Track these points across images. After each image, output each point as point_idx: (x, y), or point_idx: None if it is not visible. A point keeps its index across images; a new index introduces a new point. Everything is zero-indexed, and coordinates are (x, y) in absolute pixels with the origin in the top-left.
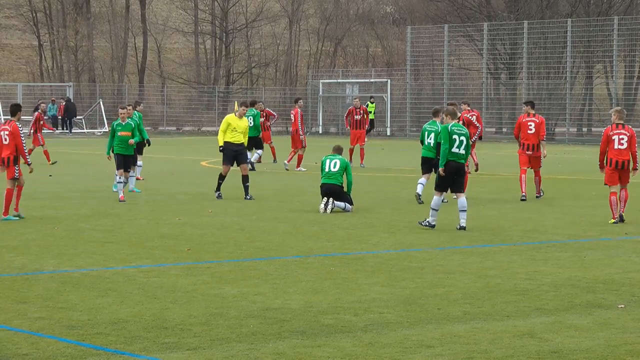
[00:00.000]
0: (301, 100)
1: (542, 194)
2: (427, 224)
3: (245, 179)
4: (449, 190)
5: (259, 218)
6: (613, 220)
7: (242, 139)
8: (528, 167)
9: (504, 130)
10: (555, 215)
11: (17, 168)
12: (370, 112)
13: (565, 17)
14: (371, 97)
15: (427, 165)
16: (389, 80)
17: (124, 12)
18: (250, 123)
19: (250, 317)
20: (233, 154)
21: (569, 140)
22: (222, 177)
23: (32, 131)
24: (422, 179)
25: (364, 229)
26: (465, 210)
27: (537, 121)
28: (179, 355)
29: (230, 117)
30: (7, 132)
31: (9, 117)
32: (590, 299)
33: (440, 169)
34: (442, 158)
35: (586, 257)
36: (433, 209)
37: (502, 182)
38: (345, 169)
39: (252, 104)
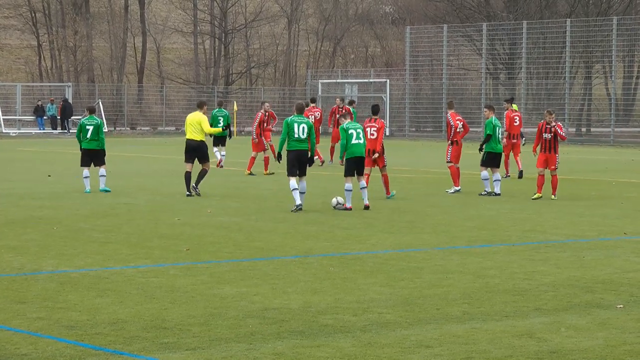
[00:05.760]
0: (338, 99)
1: (509, 174)
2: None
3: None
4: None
5: (258, 218)
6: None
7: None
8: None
9: (503, 130)
10: (554, 215)
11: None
12: None
13: (564, 17)
14: None
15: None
16: (387, 81)
17: (122, 12)
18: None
19: (249, 317)
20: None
21: (568, 141)
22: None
23: (255, 136)
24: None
25: (363, 229)
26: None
27: (520, 115)
28: (178, 356)
29: None
30: (375, 129)
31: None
32: (589, 299)
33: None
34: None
35: (585, 257)
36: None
37: (502, 183)
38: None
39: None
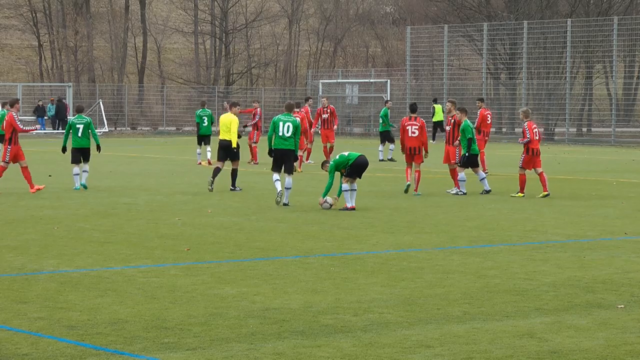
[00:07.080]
0: (311, 99)
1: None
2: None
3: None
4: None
5: (258, 218)
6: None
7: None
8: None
9: (504, 130)
10: (554, 215)
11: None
12: None
13: (565, 17)
14: None
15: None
16: (388, 81)
17: (123, 12)
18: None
19: (249, 317)
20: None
21: (569, 140)
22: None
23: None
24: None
25: (364, 229)
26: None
27: (491, 114)
28: (179, 356)
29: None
30: (416, 127)
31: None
32: (589, 299)
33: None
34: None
35: (586, 257)
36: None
37: (501, 182)
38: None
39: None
